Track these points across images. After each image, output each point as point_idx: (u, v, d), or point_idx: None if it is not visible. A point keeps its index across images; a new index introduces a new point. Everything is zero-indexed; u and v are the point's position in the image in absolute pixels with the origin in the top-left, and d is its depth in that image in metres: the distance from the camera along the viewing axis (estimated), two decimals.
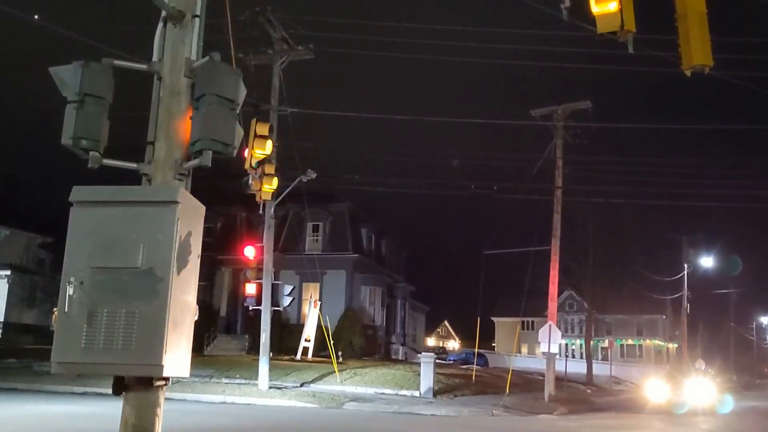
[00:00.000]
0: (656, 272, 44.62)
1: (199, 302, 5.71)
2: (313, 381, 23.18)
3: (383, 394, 22.06)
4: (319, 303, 31.65)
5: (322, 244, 38.61)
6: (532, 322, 65.98)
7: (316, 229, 39.04)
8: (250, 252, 22.20)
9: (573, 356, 63.31)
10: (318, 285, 36.54)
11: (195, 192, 5.65)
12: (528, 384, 28.78)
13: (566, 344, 63.16)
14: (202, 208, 5.57)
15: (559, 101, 25.84)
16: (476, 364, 30.76)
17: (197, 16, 5.90)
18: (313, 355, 29.31)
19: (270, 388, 20.43)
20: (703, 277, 50.95)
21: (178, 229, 5.02)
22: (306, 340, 29.93)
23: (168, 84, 5.71)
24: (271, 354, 21.44)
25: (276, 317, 23.86)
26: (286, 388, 21.35)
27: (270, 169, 17.76)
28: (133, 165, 5.74)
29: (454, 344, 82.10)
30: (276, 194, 19.59)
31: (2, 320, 37.70)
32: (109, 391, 5.32)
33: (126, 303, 4.87)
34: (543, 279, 26.67)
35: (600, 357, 62.41)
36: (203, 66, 5.63)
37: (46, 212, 37.77)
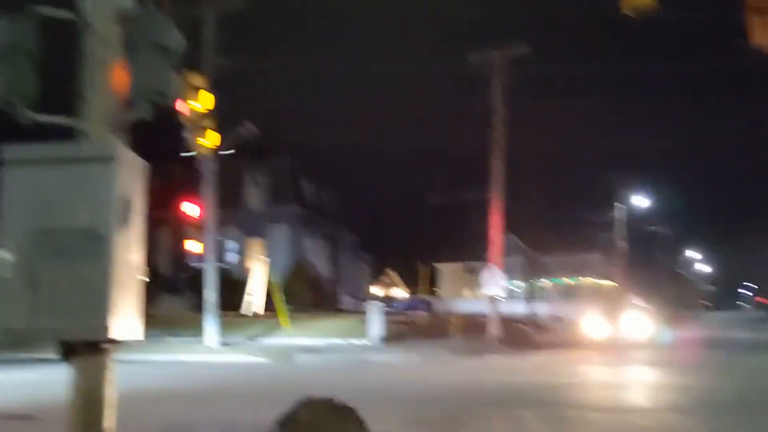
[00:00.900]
0: (593, 212, 46.03)
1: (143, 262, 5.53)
2: (262, 335, 23.20)
3: (333, 344, 22.26)
4: (263, 257, 31.45)
5: (264, 198, 38.16)
6: (475, 266, 67.23)
7: (257, 183, 38.49)
8: (190, 209, 21.77)
9: (515, 297, 65.19)
10: (262, 240, 36.27)
11: (132, 147, 5.40)
12: (473, 327, 29.47)
13: (508, 286, 64.88)
14: (143, 164, 5.34)
15: (500, 45, 25.81)
16: (422, 310, 31.31)
17: None
18: (261, 310, 29.23)
19: (219, 344, 20.34)
20: (637, 214, 52.91)
21: (119, 186, 4.80)
22: (251, 295, 29.77)
23: (98, 33, 5.36)
24: (218, 311, 21.27)
25: (221, 274, 23.58)
26: (236, 344, 21.30)
27: (208, 122, 17.25)
28: (66, 120, 5.43)
29: (399, 292, 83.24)
30: (215, 149, 19.12)
31: None
32: (56, 356, 5.14)
33: (69, 265, 4.66)
34: (485, 223, 27.13)
35: (540, 297, 64.39)
36: (136, 12, 5.31)
37: None
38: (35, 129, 5.24)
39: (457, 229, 38.01)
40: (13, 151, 4.80)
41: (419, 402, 10.47)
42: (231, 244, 22.90)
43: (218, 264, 21.50)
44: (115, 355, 5.30)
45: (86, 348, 5.09)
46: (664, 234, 69.69)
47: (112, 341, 5.13)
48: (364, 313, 25.73)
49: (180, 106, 14.94)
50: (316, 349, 20.66)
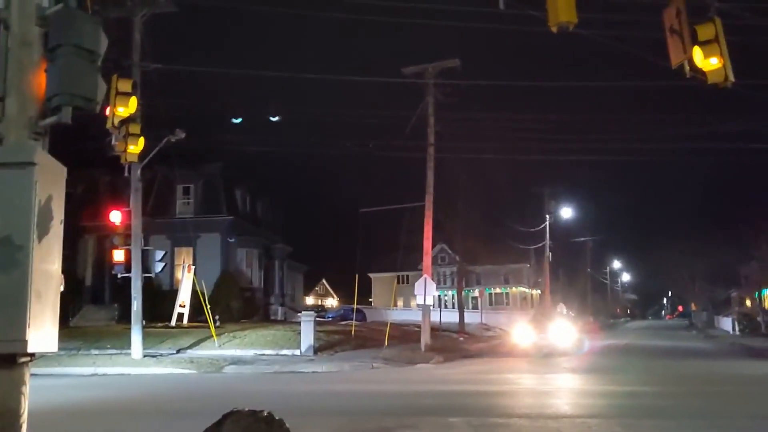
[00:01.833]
0: (522, 224, 47.12)
1: (63, 272, 5.33)
2: (190, 347, 22.66)
3: (264, 355, 21.97)
4: (193, 267, 30.77)
5: (194, 207, 37.35)
6: (408, 276, 67.82)
7: (187, 191, 37.65)
8: (116, 217, 21.09)
9: (446, 307, 65.89)
10: (191, 249, 35.50)
11: (53, 153, 5.21)
12: (405, 336, 29.68)
13: (440, 296, 65.55)
14: (63, 170, 5.15)
15: (431, 59, 26.19)
16: (355, 320, 31.28)
17: None
18: (189, 321, 28.55)
19: (144, 356, 19.77)
20: (563, 226, 54.46)
21: (37, 192, 4.63)
22: (180, 306, 29.08)
23: (17, 33, 5.16)
24: (144, 322, 20.68)
25: (148, 284, 22.90)
26: (161, 355, 20.73)
27: (135, 128, 16.77)
28: None
29: (332, 302, 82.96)
30: (143, 155, 18.59)
31: None
32: None
33: None
34: (417, 234, 27.36)
35: (471, 306, 65.38)
36: (57, 13, 5.13)
37: None
38: None
39: (390, 239, 38.18)
40: None
41: (349, 412, 10.44)
42: (159, 254, 22.25)
43: (145, 274, 20.91)
44: (32, 369, 5.08)
45: (1, 362, 4.86)
46: (590, 245, 72.00)
47: (29, 354, 4.92)
48: (296, 323, 25.49)
49: (105, 111, 14.48)
50: (245, 360, 20.33)
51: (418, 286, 24.60)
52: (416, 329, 27.19)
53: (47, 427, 8.39)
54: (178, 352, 21.91)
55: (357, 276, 27.62)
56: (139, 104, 17.08)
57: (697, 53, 9.26)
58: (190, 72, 23.85)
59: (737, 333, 46.98)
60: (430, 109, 26.14)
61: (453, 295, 66.01)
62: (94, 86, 5.17)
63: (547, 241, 48.66)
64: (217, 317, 26.04)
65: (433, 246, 28.17)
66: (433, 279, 25.88)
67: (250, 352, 22.29)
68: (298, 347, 22.29)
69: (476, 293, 72.33)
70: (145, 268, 20.83)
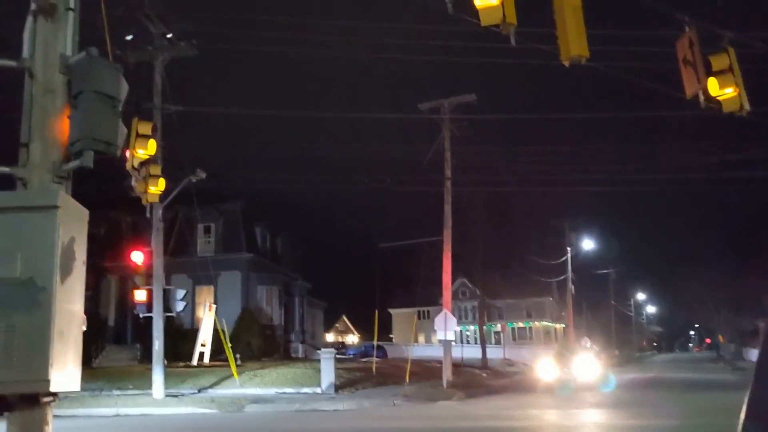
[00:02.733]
0: (542, 256, 46.76)
1: (85, 312, 5.41)
2: (211, 386, 22.61)
3: (285, 393, 21.86)
4: (214, 306, 30.88)
5: (214, 246, 37.65)
6: (428, 311, 67.37)
7: (207, 230, 38.01)
8: (138, 257, 21.32)
9: (468, 342, 65.31)
10: (212, 288, 35.65)
11: (76, 196, 5.33)
12: (427, 372, 29.38)
13: (461, 331, 65.05)
14: (85, 212, 5.27)
15: (446, 94, 26.46)
16: (375, 356, 31.08)
17: (71, 9, 5.56)
18: (210, 360, 28.56)
19: (166, 396, 19.74)
20: (585, 259, 53.99)
21: (60, 235, 4.73)
22: (202, 345, 29.11)
23: (42, 81, 5.35)
24: (165, 362, 20.70)
25: (169, 323, 23.01)
26: (182, 395, 20.69)
27: (155, 170, 17.09)
28: (5, 169, 5.35)
29: (353, 338, 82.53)
30: (163, 196, 18.88)
31: None
32: None
33: (5, 317, 4.53)
34: (436, 269, 27.28)
35: (493, 341, 64.67)
36: (80, 62, 5.32)
37: None
38: None
39: (409, 274, 38.06)
40: None
41: None
42: (180, 293, 22.39)
43: (166, 313, 21.02)
44: (56, 410, 5.13)
45: (23, 402, 4.92)
46: (613, 277, 71.15)
47: (52, 394, 4.98)
48: (317, 360, 25.36)
49: (127, 154, 14.79)
50: (266, 399, 20.23)
51: (439, 321, 24.44)
52: (438, 365, 26.92)
53: None
54: (199, 391, 21.87)
55: (377, 312, 27.52)
56: (159, 146, 17.43)
57: (712, 83, 9.29)
58: (213, 112, 24.26)
59: None
60: (446, 144, 26.30)
61: (475, 330, 65.44)
62: (115, 131, 5.32)
63: (569, 274, 48.21)
64: (237, 355, 26.00)
65: (453, 280, 28.04)
66: (453, 314, 25.71)
67: (271, 391, 22.19)
68: (319, 385, 22.15)
69: (498, 328, 71.59)
70: (167, 307, 20.94)
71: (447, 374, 24.97)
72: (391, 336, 74.80)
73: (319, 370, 22.81)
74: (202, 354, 28.87)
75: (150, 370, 20.46)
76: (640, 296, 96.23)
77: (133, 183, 16.90)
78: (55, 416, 5.39)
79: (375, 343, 33.26)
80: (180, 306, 22.16)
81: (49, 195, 4.93)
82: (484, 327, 46.34)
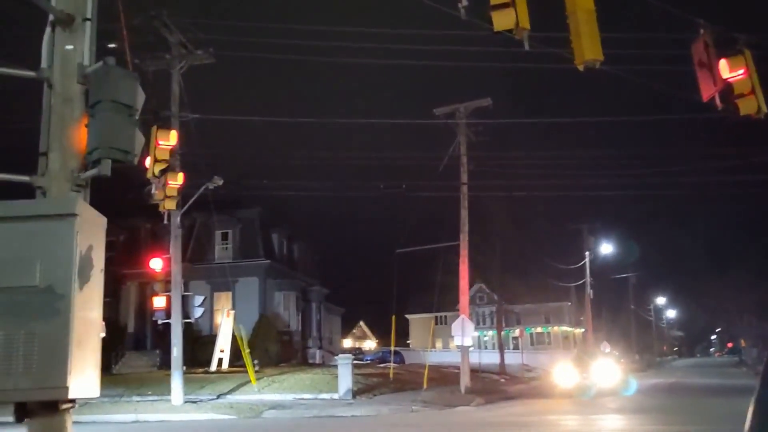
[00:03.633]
0: (560, 261, 46.46)
1: (104, 319, 5.46)
2: (229, 392, 22.71)
3: (302, 399, 21.90)
4: (231, 312, 31.01)
5: (232, 252, 37.84)
6: (445, 317, 67.17)
7: (225, 236, 38.22)
8: (156, 264, 21.48)
9: (486, 347, 65.02)
10: (230, 294, 35.79)
11: (95, 204, 5.40)
12: (444, 378, 29.29)
13: (479, 336, 64.76)
14: (103, 220, 5.33)
15: (462, 99, 26.42)
16: (393, 362, 31.03)
17: (88, 19, 5.64)
18: (228, 366, 28.68)
19: (185, 402, 19.85)
20: (604, 263, 53.51)
21: (78, 243, 4.78)
22: (220, 351, 29.26)
23: (60, 91, 5.42)
24: (184, 368, 20.83)
25: (188, 329, 23.17)
26: (201, 401, 20.80)
27: (173, 177, 17.24)
28: (25, 178, 5.42)
29: (370, 344, 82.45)
30: (181, 203, 19.04)
31: None
32: (12, 419, 5.00)
33: (24, 324, 4.58)
34: (453, 274, 27.20)
35: (511, 346, 64.31)
36: (97, 71, 5.39)
37: None
38: None
39: (427, 280, 38.01)
40: None
41: None
42: (198, 299, 22.52)
43: (185, 320, 21.14)
44: (77, 417, 5.18)
45: (43, 409, 4.98)
46: (633, 281, 70.45)
47: (71, 401, 5.03)
48: (334, 366, 25.39)
49: (145, 162, 14.93)
50: (284, 405, 20.28)
51: (456, 326, 24.36)
52: (455, 371, 26.82)
53: None
54: (218, 397, 21.97)
55: (394, 317, 27.50)
56: (177, 153, 17.57)
57: (728, 86, 9.21)
58: (226, 120, 24.41)
59: None
60: (462, 149, 26.25)
61: (493, 336, 65.13)
62: (132, 139, 5.38)
63: (588, 278, 47.83)
64: (256, 361, 26.09)
65: (471, 285, 27.97)
66: (471, 319, 25.61)
67: (288, 397, 22.24)
68: (337, 391, 22.16)
69: (516, 333, 71.17)
70: (185, 313, 21.06)
71: (465, 380, 24.87)
72: (408, 342, 74.64)
73: (336, 376, 22.83)
74: (220, 360, 29.01)
75: (169, 376, 20.58)
76: (661, 300, 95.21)
77: (153, 191, 17.05)
78: (75, 422, 5.45)
79: (392, 348, 33.22)
80: (198, 312, 22.27)
81: (67, 203, 4.99)
82: (502, 332, 46.11)
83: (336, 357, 26.91)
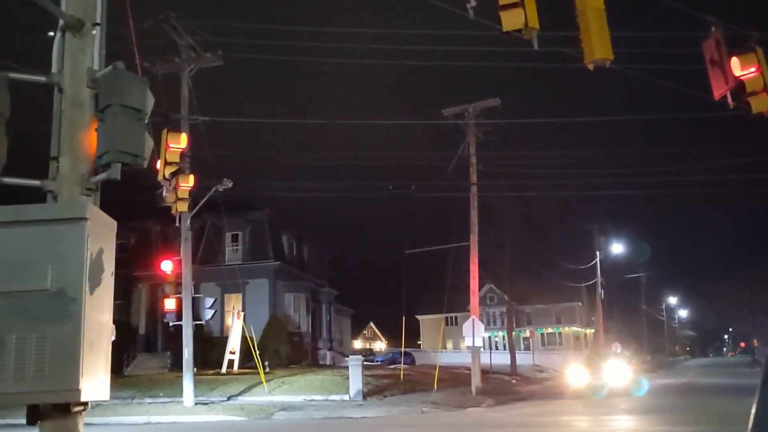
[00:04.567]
0: (571, 261, 46.25)
1: (115, 321, 5.48)
2: (240, 393, 22.76)
3: (313, 400, 21.91)
4: (242, 313, 31.09)
5: (242, 254, 37.95)
6: (456, 317, 67.05)
7: (235, 238, 38.35)
8: (167, 266, 21.56)
9: (497, 348, 64.81)
10: (240, 295, 35.89)
11: (105, 207, 5.42)
12: (455, 378, 29.23)
13: (489, 337, 64.53)
14: (114, 224, 5.35)
15: (470, 99, 26.36)
16: (403, 363, 31.01)
17: (98, 24, 5.67)
18: (239, 367, 28.76)
19: (196, 404, 19.91)
20: (615, 263, 53.26)
21: (89, 246, 4.80)
22: (231, 353, 29.33)
23: (70, 96, 5.45)
24: (195, 369, 20.89)
25: (198, 331, 23.25)
26: (212, 403, 20.86)
27: (184, 180, 17.31)
28: (36, 182, 5.45)
29: (380, 345, 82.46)
30: (191, 205, 19.10)
31: None
32: (24, 421, 5.03)
33: (36, 327, 4.61)
34: (464, 274, 27.13)
35: (522, 347, 64.08)
36: (107, 76, 5.41)
37: None
38: (3, 191, 5.25)
39: (436, 281, 37.98)
40: None
41: None
42: (209, 301, 22.59)
43: (196, 321, 21.21)
44: (89, 418, 5.20)
45: (55, 411, 5.00)
46: (644, 281, 70.07)
47: (82, 403, 5.05)
48: (344, 367, 25.40)
49: (156, 165, 15.00)
50: (294, 406, 20.30)
51: (466, 327, 24.31)
52: (466, 372, 26.75)
53: None
54: (228, 399, 22.03)
55: (404, 318, 27.48)
56: (187, 156, 17.63)
57: (739, 83, 9.14)
58: (236, 122, 24.48)
59: None
60: (471, 149, 26.19)
61: (503, 336, 64.90)
62: (141, 143, 5.40)
63: (599, 278, 47.60)
64: (266, 363, 26.15)
65: (481, 286, 27.91)
66: (481, 320, 25.56)
67: (299, 398, 22.26)
68: (347, 392, 22.16)
69: (527, 333, 70.91)
70: (196, 315, 21.12)
71: (476, 381, 24.81)
72: (418, 342, 74.56)
73: (347, 377, 22.84)
74: (231, 361, 29.09)
75: (180, 377, 20.66)
76: (672, 300, 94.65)
77: (164, 193, 17.12)
78: (87, 424, 5.47)
79: (402, 349, 33.21)
80: (209, 314, 22.34)
81: (78, 207, 5.01)
82: (513, 333, 45.95)
83: (346, 358, 26.94)
